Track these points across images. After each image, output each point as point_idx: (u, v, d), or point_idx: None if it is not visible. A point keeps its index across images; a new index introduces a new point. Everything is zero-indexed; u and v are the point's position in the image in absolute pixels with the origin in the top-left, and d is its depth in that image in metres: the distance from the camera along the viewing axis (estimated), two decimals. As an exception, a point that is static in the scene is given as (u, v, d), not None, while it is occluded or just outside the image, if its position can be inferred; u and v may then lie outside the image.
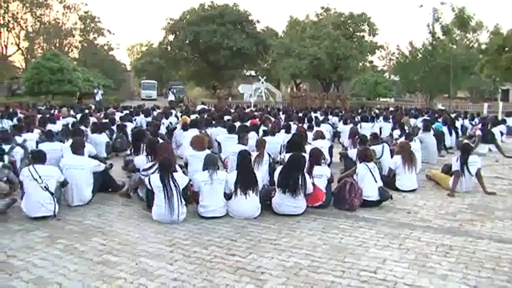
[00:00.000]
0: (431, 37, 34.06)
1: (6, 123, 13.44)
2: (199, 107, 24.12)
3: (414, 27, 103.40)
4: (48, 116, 15.16)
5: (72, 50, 54.89)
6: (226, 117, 15.78)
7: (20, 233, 5.69)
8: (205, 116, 16.30)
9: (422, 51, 34.64)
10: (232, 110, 21.92)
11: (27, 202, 6.22)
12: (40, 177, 6.22)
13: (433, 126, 13.04)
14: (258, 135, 10.78)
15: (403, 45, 36.31)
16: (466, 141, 10.54)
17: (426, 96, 36.69)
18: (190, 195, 6.57)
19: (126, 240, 5.49)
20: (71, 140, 8.63)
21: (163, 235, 5.65)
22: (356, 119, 16.50)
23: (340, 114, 19.63)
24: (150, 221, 6.20)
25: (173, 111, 19.56)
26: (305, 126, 12.58)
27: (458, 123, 16.13)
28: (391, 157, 8.87)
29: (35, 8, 44.76)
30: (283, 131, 11.36)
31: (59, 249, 5.15)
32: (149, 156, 7.39)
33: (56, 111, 19.63)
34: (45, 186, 6.21)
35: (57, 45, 50.12)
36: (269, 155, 8.06)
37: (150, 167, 6.89)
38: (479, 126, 15.01)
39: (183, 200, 6.15)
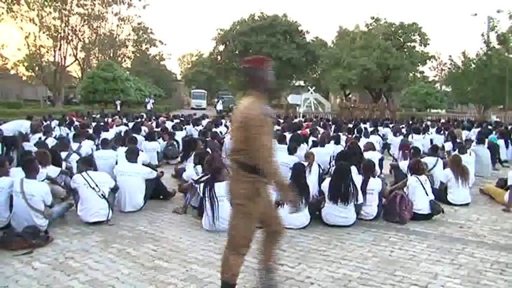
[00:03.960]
0: (486, 46, 33.03)
1: (64, 131, 13.97)
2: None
3: (467, 37, 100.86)
4: (102, 124, 15.67)
5: (125, 60, 56.60)
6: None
7: (76, 236, 5.92)
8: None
9: (476, 61, 33.65)
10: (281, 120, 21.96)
11: (83, 208, 6.43)
12: (97, 185, 6.44)
13: (487, 138, 12.66)
14: (308, 146, 10.77)
15: (456, 55, 35.18)
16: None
17: (480, 108, 35.61)
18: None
19: (177, 247, 5.60)
20: (124, 148, 8.90)
21: (214, 243, 5.73)
22: (406, 131, 16.16)
23: (391, 125, 19.30)
24: (200, 228, 6.29)
25: (223, 121, 19.80)
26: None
27: (514, 136, 15.55)
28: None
29: (92, 20, 46.42)
30: (332, 142, 11.29)
31: (113, 253, 5.33)
32: (197, 167, 7.54)
33: (110, 119, 20.26)
34: (102, 194, 6.43)
35: (111, 55, 51.77)
36: (319, 165, 8.03)
37: (202, 177, 6.96)
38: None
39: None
